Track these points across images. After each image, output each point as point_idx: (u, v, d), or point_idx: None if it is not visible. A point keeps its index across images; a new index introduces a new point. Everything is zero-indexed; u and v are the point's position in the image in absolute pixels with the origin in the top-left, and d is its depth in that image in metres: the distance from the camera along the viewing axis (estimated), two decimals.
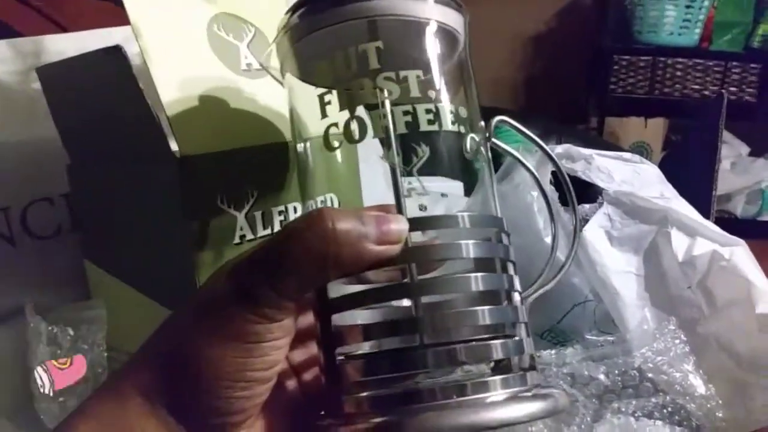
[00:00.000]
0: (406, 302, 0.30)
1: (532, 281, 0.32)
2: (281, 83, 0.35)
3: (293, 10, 0.31)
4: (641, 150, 1.82)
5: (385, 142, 0.30)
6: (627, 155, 0.60)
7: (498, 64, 1.99)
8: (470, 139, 0.31)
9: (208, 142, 0.39)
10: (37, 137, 0.54)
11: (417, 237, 0.28)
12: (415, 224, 0.27)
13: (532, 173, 0.35)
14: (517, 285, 0.29)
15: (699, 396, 0.42)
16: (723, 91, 1.17)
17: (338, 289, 0.28)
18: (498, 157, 0.45)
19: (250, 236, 0.41)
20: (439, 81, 0.31)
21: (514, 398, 0.25)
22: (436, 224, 0.28)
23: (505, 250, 0.29)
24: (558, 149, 0.58)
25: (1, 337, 0.50)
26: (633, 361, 0.43)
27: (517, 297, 0.29)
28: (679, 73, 1.73)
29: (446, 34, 0.32)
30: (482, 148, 0.32)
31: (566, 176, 0.34)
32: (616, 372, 0.44)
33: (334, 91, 0.31)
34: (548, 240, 0.50)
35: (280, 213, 0.43)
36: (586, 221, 0.53)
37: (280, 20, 0.32)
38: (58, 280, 0.55)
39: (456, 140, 0.31)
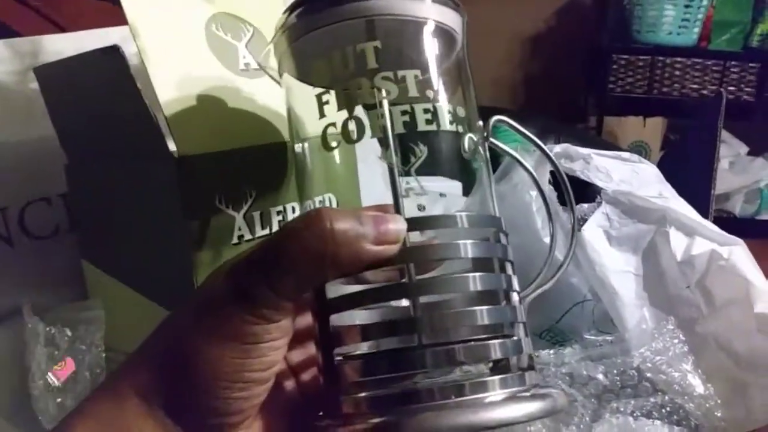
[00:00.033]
0: (404, 302, 0.30)
1: (530, 281, 0.32)
2: (279, 83, 0.35)
3: (291, 9, 0.31)
4: (640, 149, 1.83)
5: (383, 142, 0.30)
6: (625, 155, 0.60)
7: (496, 63, 1.99)
8: (468, 139, 0.31)
9: (206, 142, 0.39)
10: (35, 137, 0.54)
11: (415, 237, 0.28)
12: (414, 224, 0.27)
13: (530, 173, 0.35)
14: (516, 285, 0.29)
15: (698, 395, 0.42)
16: (722, 90, 1.17)
17: (336, 289, 0.28)
18: (496, 157, 0.45)
19: (248, 236, 0.41)
20: (437, 81, 0.31)
21: (512, 398, 0.25)
22: (435, 224, 0.28)
23: (504, 249, 0.29)
24: (556, 149, 0.58)
25: None
26: (632, 361, 0.43)
27: (515, 297, 0.29)
28: (677, 73, 1.74)
29: (444, 34, 0.32)
30: (480, 148, 0.32)
31: (564, 176, 0.34)
32: (615, 372, 0.43)
33: (332, 91, 0.31)
34: (547, 240, 0.50)
35: (278, 213, 0.43)
36: (585, 221, 0.53)
37: (278, 20, 0.32)
38: (55, 281, 0.55)
39: (454, 140, 0.31)
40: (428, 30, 0.31)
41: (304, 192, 0.34)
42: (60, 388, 0.44)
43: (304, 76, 0.33)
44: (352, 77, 0.30)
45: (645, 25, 1.73)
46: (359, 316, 0.29)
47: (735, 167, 1.79)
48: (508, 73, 2.06)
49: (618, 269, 0.50)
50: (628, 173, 0.57)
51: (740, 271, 0.48)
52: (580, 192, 0.53)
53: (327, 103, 0.31)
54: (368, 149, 0.38)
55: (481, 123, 0.32)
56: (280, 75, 0.35)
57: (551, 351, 0.45)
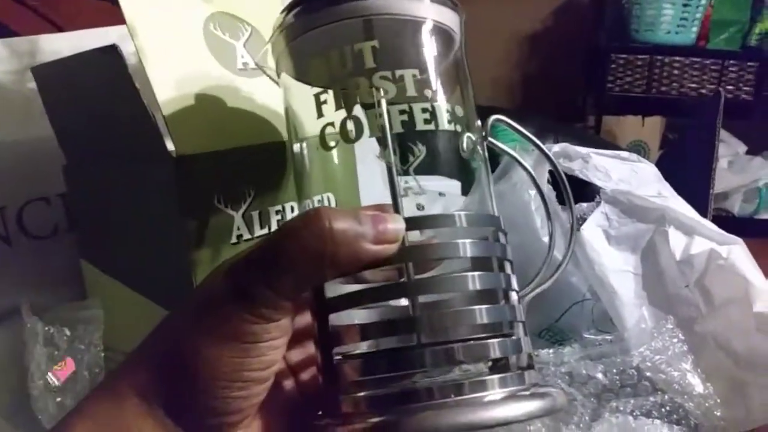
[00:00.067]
0: (403, 302, 0.30)
1: (529, 280, 0.32)
2: (277, 83, 0.35)
3: (288, 9, 0.31)
4: (638, 149, 1.83)
5: (382, 142, 0.30)
6: (624, 154, 0.60)
7: (495, 63, 1.99)
8: (467, 138, 0.31)
9: (205, 141, 0.39)
10: (33, 137, 0.53)
11: (414, 236, 0.28)
12: (412, 223, 0.27)
13: (529, 172, 0.35)
14: (515, 284, 0.29)
15: (697, 395, 0.42)
16: (720, 89, 1.17)
17: (335, 288, 0.28)
18: (496, 156, 0.45)
19: (247, 236, 0.41)
20: (435, 80, 0.31)
21: (511, 397, 0.25)
22: (433, 223, 0.28)
23: (502, 248, 0.29)
24: (555, 148, 0.58)
25: None
26: (631, 360, 0.43)
27: (514, 296, 0.29)
28: (676, 72, 1.74)
29: (442, 33, 0.32)
30: (479, 147, 0.32)
31: (562, 174, 0.34)
32: (614, 371, 0.43)
33: (330, 91, 0.31)
34: (546, 239, 0.50)
35: (277, 212, 0.43)
36: (584, 220, 0.53)
37: (276, 19, 0.32)
38: (54, 280, 0.55)
39: (452, 139, 0.31)
40: (426, 29, 0.31)
41: (303, 191, 0.34)
42: (59, 387, 0.44)
43: (302, 75, 0.33)
44: (350, 77, 0.30)
45: (643, 25, 1.73)
46: (358, 316, 0.29)
47: (733, 166, 1.79)
48: (506, 73, 2.06)
49: (617, 268, 0.50)
50: (627, 172, 0.57)
51: (739, 270, 0.48)
52: (578, 191, 0.53)
53: (325, 102, 0.31)
54: (367, 149, 0.38)
55: (479, 122, 0.32)
56: (278, 75, 0.34)
57: (550, 350, 0.45)
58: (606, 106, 1.85)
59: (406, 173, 0.31)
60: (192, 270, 0.39)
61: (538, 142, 0.34)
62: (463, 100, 0.32)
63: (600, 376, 0.43)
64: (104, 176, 0.47)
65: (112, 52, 0.38)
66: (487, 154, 0.33)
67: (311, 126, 0.31)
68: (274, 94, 0.42)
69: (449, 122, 0.30)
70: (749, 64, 1.73)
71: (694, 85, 1.74)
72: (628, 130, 1.87)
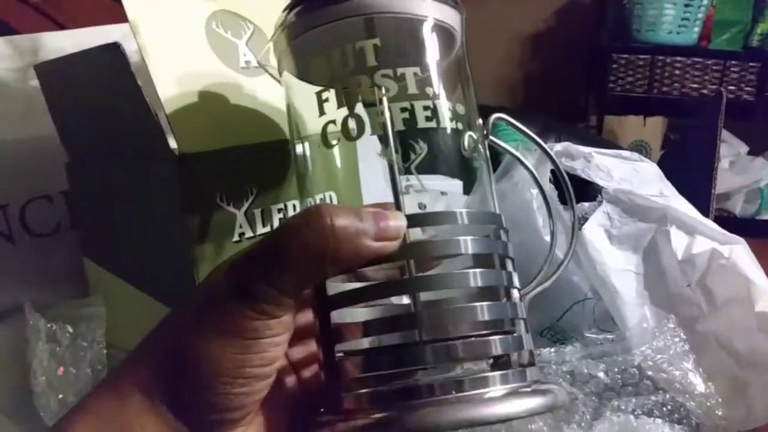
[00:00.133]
0: (405, 299, 0.30)
1: (531, 279, 0.32)
2: (279, 81, 0.35)
3: (290, 7, 0.31)
4: (640, 149, 1.83)
5: (383, 139, 0.30)
6: (626, 153, 0.60)
7: (497, 62, 1.99)
8: (468, 137, 0.31)
9: (207, 139, 0.39)
10: (36, 135, 0.54)
11: (416, 234, 0.28)
12: (414, 220, 0.27)
13: (530, 171, 0.35)
14: (516, 281, 0.29)
15: (698, 394, 0.42)
16: (722, 89, 1.17)
17: (337, 286, 0.28)
18: (497, 156, 0.45)
19: (249, 234, 0.41)
20: (436, 78, 0.31)
21: (513, 394, 0.25)
22: (435, 220, 0.28)
23: (504, 246, 0.29)
24: (557, 147, 0.58)
25: (1, 334, 0.50)
26: (632, 359, 0.43)
27: (515, 293, 0.29)
28: (677, 72, 1.74)
29: (443, 32, 0.32)
30: (480, 146, 0.32)
31: (563, 173, 0.34)
32: (616, 370, 0.43)
33: (332, 89, 0.31)
34: (547, 238, 0.50)
35: (279, 211, 0.43)
36: (586, 219, 0.53)
37: (278, 18, 0.32)
38: (57, 278, 0.55)
39: (454, 138, 0.31)
40: (427, 27, 0.31)
41: (305, 190, 0.34)
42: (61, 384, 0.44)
43: (304, 74, 0.34)
44: (352, 75, 0.30)
45: (645, 25, 1.73)
46: (360, 313, 0.29)
47: (735, 167, 1.79)
48: (508, 73, 2.06)
49: (619, 268, 0.50)
50: (629, 172, 0.57)
51: (741, 269, 0.48)
52: (580, 191, 0.53)
53: (327, 100, 0.31)
54: (369, 147, 0.38)
55: (480, 121, 0.32)
56: (280, 73, 0.35)
57: (552, 349, 0.45)
58: (608, 106, 1.85)
59: (407, 170, 0.31)
60: (194, 268, 0.39)
61: (538, 140, 0.34)
62: (465, 99, 0.32)
63: (601, 375, 0.43)
64: (107, 174, 0.48)
65: (114, 50, 0.38)
66: (488, 153, 0.33)
67: (313, 124, 0.31)
68: (276, 93, 0.42)
69: (451, 120, 0.30)
70: (751, 64, 1.73)
71: (695, 86, 1.74)
72: (629, 130, 1.87)
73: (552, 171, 0.50)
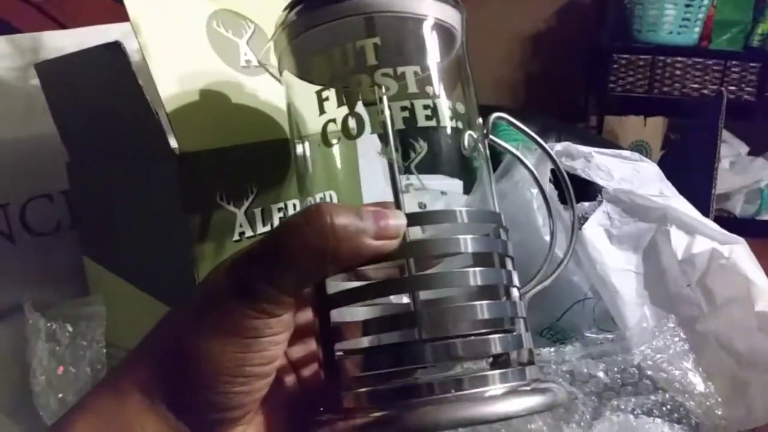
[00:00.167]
0: (404, 298, 0.30)
1: (531, 278, 0.32)
2: (279, 80, 0.35)
3: (291, 6, 0.31)
4: (640, 149, 1.83)
5: (383, 138, 0.30)
6: (626, 153, 0.60)
7: (497, 63, 1.99)
8: (468, 136, 0.31)
9: (208, 138, 0.39)
10: (36, 134, 0.54)
11: (416, 233, 0.28)
12: (413, 219, 0.27)
13: (531, 171, 0.35)
14: (516, 280, 0.29)
15: (698, 394, 0.42)
16: (722, 89, 1.17)
17: (337, 284, 0.28)
18: (497, 155, 0.45)
19: (249, 233, 0.41)
20: (436, 77, 0.31)
21: (512, 392, 0.25)
22: (434, 219, 0.28)
23: (504, 245, 0.29)
24: (557, 147, 0.58)
25: (0, 333, 0.50)
26: (632, 359, 0.43)
27: (515, 292, 0.29)
28: (678, 72, 1.74)
29: (443, 31, 0.32)
30: (480, 145, 0.32)
31: (563, 171, 0.34)
32: (616, 370, 0.44)
33: (332, 88, 0.31)
34: (548, 237, 0.50)
35: (279, 210, 0.43)
36: (586, 219, 0.53)
37: (278, 17, 0.32)
38: (57, 277, 0.55)
39: (454, 137, 0.31)
40: (427, 27, 0.31)
41: (305, 189, 0.34)
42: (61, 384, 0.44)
43: (304, 73, 0.34)
44: (352, 74, 0.30)
45: (645, 25, 1.73)
46: (360, 312, 0.29)
47: (735, 167, 1.79)
48: (508, 73, 2.06)
49: (619, 268, 0.50)
50: (629, 172, 0.57)
51: (741, 269, 0.48)
52: (580, 190, 0.53)
53: (327, 99, 0.31)
54: (369, 146, 0.38)
55: (480, 120, 0.33)
56: (280, 72, 0.35)
57: (552, 349, 0.45)
58: (608, 106, 1.85)
59: (407, 170, 0.31)
60: (194, 267, 0.39)
61: (538, 139, 0.34)
62: (465, 98, 0.32)
63: (601, 374, 0.43)
64: (107, 173, 0.48)
65: (115, 49, 0.38)
66: (488, 152, 0.33)
67: (313, 123, 0.31)
68: (277, 92, 0.42)
69: (451, 119, 0.30)
70: (751, 64, 1.73)
71: (696, 86, 1.74)
72: (630, 131, 1.87)
73: (552, 171, 0.50)
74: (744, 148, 1.89)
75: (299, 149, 0.34)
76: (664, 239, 0.49)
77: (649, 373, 0.43)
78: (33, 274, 0.55)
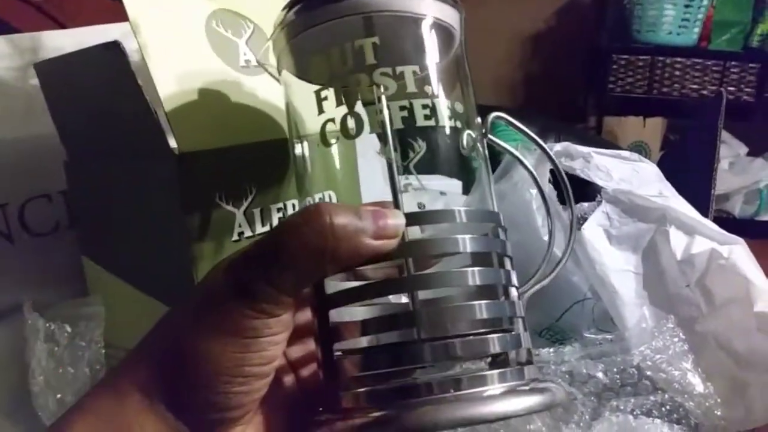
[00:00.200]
0: (403, 298, 0.30)
1: (529, 278, 0.32)
2: (278, 80, 0.35)
3: (290, 6, 0.31)
4: (640, 149, 1.83)
5: (382, 138, 0.30)
6: (626, 153, 0.60)
7: (496, 63, 1.99)
8: (467, 136, 0.31)
9: (207, 138, 0.39)
10: (35, 134, 0.53)
11: (415, 233, 0.28)
12: (412, 219, 0.27)
13: (530, 171, 0.35)
14: (514, 280, 0.29)
15: (697, 394, 0.42)
16: (722, 90, 1.17)
17: (336, 284, 0.28)
18: (497, 156, 0.45)
19: (248, 233, 0.41)
20: (435, 77, 0.31)
21: (511, 392, 0.25)
22: (433, 219, 0.28)
23: (502, 245, 0.29)
24: (557, 147, 0.58)
25: None
26: (631, 360, 0.43)
27: (514, 292, 0.29)
28: (677, 73, 1.74)
29: (442, 30, 0.32)
30: (479, 145, 0.32)
31: (562, 171, 0.34)
32: (615, 370, 0.43)
33: (331, 87, 0.31)
34: (546, 238, 0.50)
35: (278, 210, 0.43)
36: (585, 219, 0.53)
37: (277, 17, 0.32)
38: (56, 277, 0.55)
39: (453, 136, 0.31)
40: (426, 26, 0.31)
41: (304, 188, 0.34)
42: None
43: (303, 72, 0.34)
44: (351, 73, 0.30)
45: (645, 25, 1.73)
46: (358, 312, 0.29)
47: (735, 168, 1.79)
48: (507, 73, 2.06)
49: (618, 268, 0.50)
50: (629, 172, 0.57)
51: (740, 269, 0.48)
52: (580, 191, 0.53)
53: (326, 99, 0.31)
54: (368, 145, 0.38)
55: (479, 120, 0.32)
56: (279, 72, 0.35)
57: (551, 349, 0.45)
58: (607, 107, 1.85)
59: (406, 169, 0.31)
60: (193, 267, 0.39)
61: (537, 139, 0.34)
62: (464, 97, 0.32)
63: (600, 375, 0.43)
64: (106, 173, 0.48)
65: (114, 48, 0.38)
66: (487, 152, 0.33)
67: (312, 123, 0.31)
68: (276, 92, 0.42)
69: (449, 119, 0.30)
70: (751, 65, 1.73)
71: (695, 86, 1.74)
72: (629, 131, 1.87)
73: (551, 171, 0.50)
74: (743, 149, 1.89)
75: (298, 149, 0.34)
76: (663, 240, 0.49)
77: (648, 373, 0.43)
78: (32, 275, 0.55)
